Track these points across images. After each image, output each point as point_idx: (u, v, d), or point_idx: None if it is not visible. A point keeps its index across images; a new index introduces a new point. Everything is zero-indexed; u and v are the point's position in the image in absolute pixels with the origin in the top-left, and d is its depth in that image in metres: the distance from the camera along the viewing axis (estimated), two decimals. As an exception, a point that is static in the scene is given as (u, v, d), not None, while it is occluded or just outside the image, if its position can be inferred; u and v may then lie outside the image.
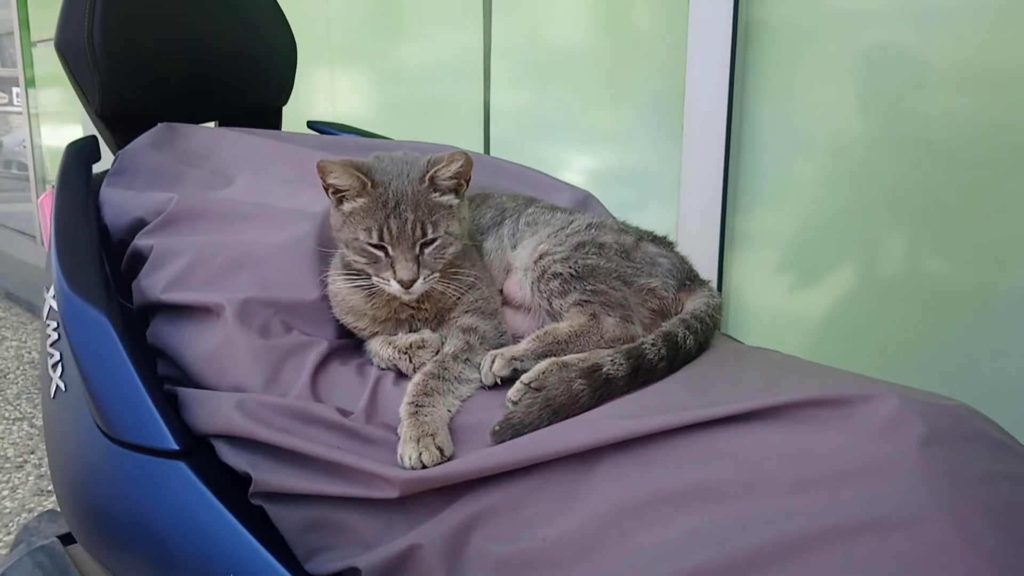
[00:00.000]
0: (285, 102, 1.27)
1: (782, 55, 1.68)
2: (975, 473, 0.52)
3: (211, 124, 1.27)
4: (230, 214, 0.84)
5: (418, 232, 0.73)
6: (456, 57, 2.52)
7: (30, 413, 3.18)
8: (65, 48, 1.07)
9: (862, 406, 0.55)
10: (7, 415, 3.17)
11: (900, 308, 1.56)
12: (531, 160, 2.22)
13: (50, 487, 2.61)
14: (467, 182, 0.78)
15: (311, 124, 1.29)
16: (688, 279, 0.80)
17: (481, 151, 2.36)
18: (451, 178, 0.76)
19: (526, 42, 2.33)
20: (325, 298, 0.80)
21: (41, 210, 1.09)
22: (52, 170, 4.15)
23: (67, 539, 1.10)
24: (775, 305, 1.79)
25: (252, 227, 0.82)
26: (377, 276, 0.74)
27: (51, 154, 4.18)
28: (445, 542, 0.59)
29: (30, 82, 4.61)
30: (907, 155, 1.50)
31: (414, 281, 0.73)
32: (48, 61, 4.04)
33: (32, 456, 2.81)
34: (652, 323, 0.75)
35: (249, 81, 1.21)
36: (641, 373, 0.65)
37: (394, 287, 0.73)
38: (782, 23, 1.65)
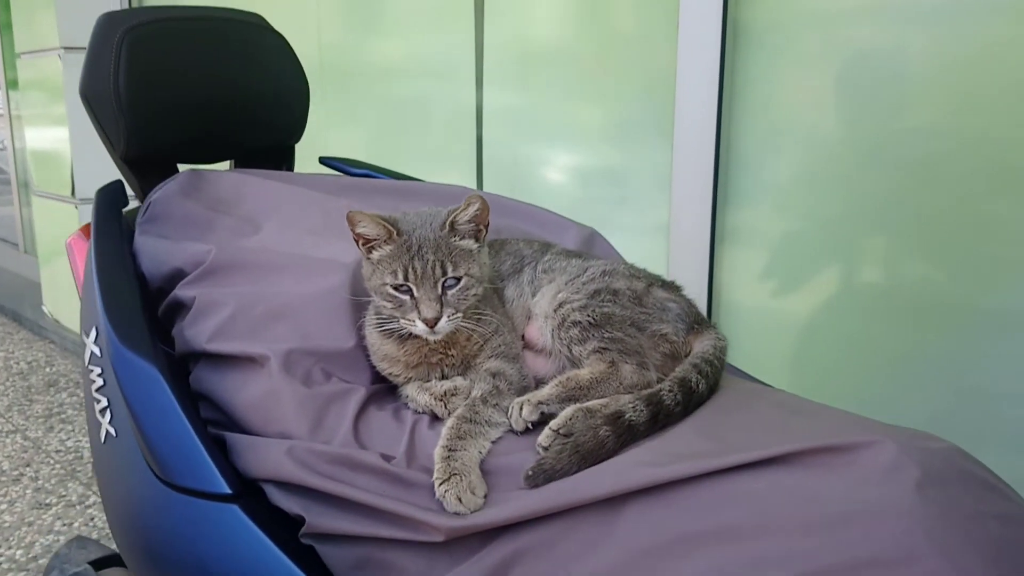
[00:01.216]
0: (298, 140, 1.32)
1: (770, 54, 1.73)
2: (964, 513, 0.59)
3: (226, 163, 1.32)
4: (266, 265, 0.89)
5: (438, 271, 0.79)
6: (446, 56, 2.53)
7: (23, 425, 3.18)
8: (91, 96, 1.11)
9: (864, 452, 0.62)
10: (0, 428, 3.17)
11: (882, 313, 1.64)
12: (520, 159, 2.27)
13: (48, 500, 2.63)
14: (486, 227, 0.83)
15: (323, 160, 1.34)
16: (696, 322, 0.86)
17: (473, 153, 2.39)
18: (469, 222, 0.82)
19: (514, 41, 2.34)
20: (360, 345, 0.85)
21: (70, 252, 1.13)
22: (35, 174, 4.10)
23: (98, 565, 1.15)
24: (762, 304, 1.86)
25: (288, 278, 0.88)
26: (404, 319, 0.80)
27: (35, 158, 4.14)
28: None
29: (12, 84, 4.55)
30: (891, 162, 1.58)
31: (438, 320, 0.78)
32: (30, 67, 4.00)
33: (28, 469, 2.82)
34: (664, 365, 0.81)
35: (264, 121, 1.26)
36: (660, 418, 0.72)
37: (420, 327, 0.79)
38: (770, 23, 1.70)
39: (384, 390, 0.85)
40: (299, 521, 0.74)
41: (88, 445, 2.97)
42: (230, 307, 0.85)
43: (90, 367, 0.93)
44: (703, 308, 1.80)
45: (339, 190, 1.11)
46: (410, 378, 0.84)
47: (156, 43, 1.13)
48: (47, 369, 3.79)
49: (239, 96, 1.21)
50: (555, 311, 0.83)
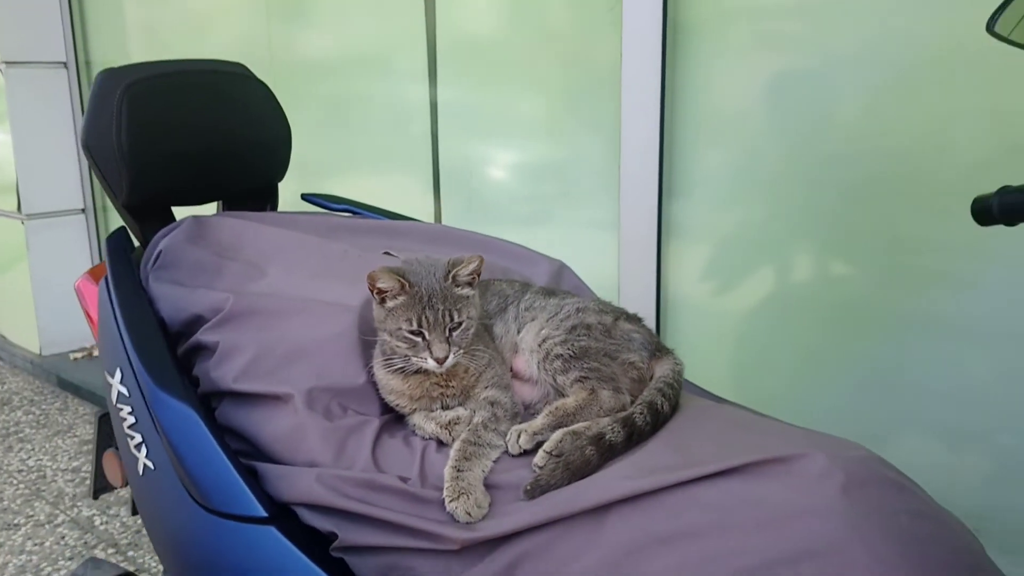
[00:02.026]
0: (281, 179, 1.42)
1: (708, 48, 1.86)
2: (881, 510, 0.75)
3: (215, 204, 1.41)
4: (279, 311, 1.00)
5: (447, 319, 0.92)
6: (395, 49, 2.55)
7: None
8: (93, 148, 1.19)
9: (799, 462, 0.78)
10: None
11: (808, 312, 1.83)
12: (473, 156, 2.37)
13: (16, 520, 2.65)
14: (479, 276, 0.97)
15: (305, 197, 1.44)
16: (657, 349, 1.01)
17: (429, 151, 2.47)
18: (468, 275, 0.95)
19: (465, 33, 2.42)
20: (370, 381, 0.98)
21: (80, 295, 1.22)
22: None
23: (119, 582, 1.24)
24: (701, 300, 2.02)
25: (301, 322, 0.99)
26: (416, 356, 0.93)
27: None
28: None
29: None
30: (820, 165, 1.76)
31: (446, 358, 0.92)
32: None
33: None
34: (633, 388, 0.96)
35: (251, 165, 1.36)
36: (634, 437, 0.87)
37: (431, 364, 0.92)
38: (707, 16, 1.85)
39: (393, 419, 0.98)
40: (330, 537, 0.86)
41: (49, 464, 2.99)
42: (251, 350, 0.96)
43: (119, 405, 1.02)
44: (652, 302, 1.96)
45: (329, 231, 1.22)
46: (415, 408, 0.96)
47: (153, 98, 1.22)
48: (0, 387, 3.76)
49: (229, 143, 1.31)
50: (539, 346, 0.97)
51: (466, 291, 0.95)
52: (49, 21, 3.63)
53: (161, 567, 1.35)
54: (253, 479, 0.90)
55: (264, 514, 0.87)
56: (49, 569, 2.32)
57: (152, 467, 0.96)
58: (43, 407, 3.46)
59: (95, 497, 1.51)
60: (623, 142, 1.94)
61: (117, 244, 1.15)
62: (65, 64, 3.69)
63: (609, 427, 0.86)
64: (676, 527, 0.76)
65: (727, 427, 0.89)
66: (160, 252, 1.13)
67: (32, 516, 2.61)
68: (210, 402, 0.99)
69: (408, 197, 2.62)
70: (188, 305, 1.04)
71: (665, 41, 1.84)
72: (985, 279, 1.58)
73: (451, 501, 0.82)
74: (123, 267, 1.11)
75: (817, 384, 1.84)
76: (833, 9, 1.69)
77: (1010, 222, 0.88)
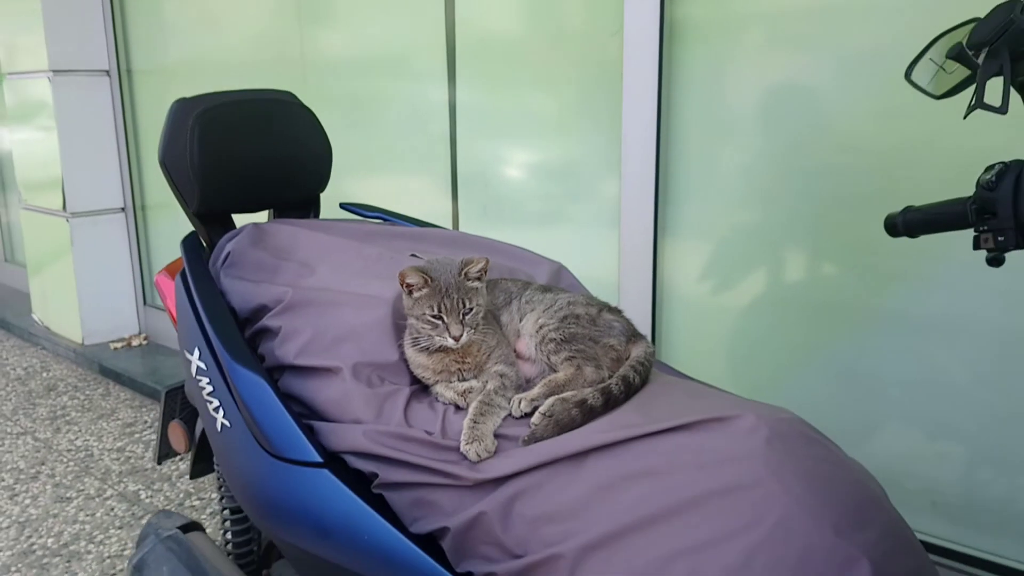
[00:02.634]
0: (323, 190, 1.66)
1: (706, 51, 2.02)
2: (794, 456, 0.98)
3: (266, 211, 1.66)
4: (330, 302, 1.25)
5: (460, 305, 1.16)
6: (413, 50, 2.72)
7: (31, 427, 3.44)
8: (169, 165, 1.44)
9: (734, 421, 1.01)
10: (9, 430, 3.42)
11: (794, 308, 2.03)
12: (491, 157, 2.55)
13: (68, 494, 2.90)
14: (486, 272, 1.21)
15: (343, 206, 1.68)
16: (633, 335, 1.24)
17: (447, 155, 2.67)
18: (477, 272, 1.19)
19: (483, 34, 2.56)
20: (401, 358, 1.22)
21: (158, 287, 1.47)
22: (24, 191, 4.25)
23: (185, 529, 1.49)
24: (695, 296, 2.19)
25: (347, 311, 1.23)
26: (438, 336, 1.16)
27: (24, 173, 4.27)
28: (499, 509, 1.02)
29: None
30: (805, 174, 1.94)
31: (461, 336, 1.16)
32: (18, 87, 4.16)
33: (43, 467, 3.09)
34: (612, 366, 1.19)
35: (298, 178, 1.60)
36: (611, 403, 1.10)
37: (449, 341, 1.16)
38: (706, 19, 2.01)
39: (420, 389, 1.22)
40: (370, 478, 1.10)
41: (96, 444, 3.24)
42: (308, 333, 1.21)
43: (198, 377, 1.27)
44: (649, 297, 2.16)
45: (365, 237, 1.46)
46: (437, 380, 1.20)
47: (220, 123, 1.46)
48: (44, 374, 4.02)
49: (281, 161, 1.55)
50: (536, 332, 1.21)
51: (476, 284, 1.19)
52: (93, 32, 3.89)
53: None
54: (310, 433, 1.15)
55: (320, 459, 1.12)
56: (101, 536, 2.57)
57: (229, 425, 1.20)
58: (87, 392, 3.73)
59: (159, 462, 1.76)
60: (624, 143, 2.13)
61: (192, 245, 1.40)
62: (108, 72, 3.95)
63: (591, 395, 1.10)
64: (638, 468, 0.99)
65: (683, 396, 1.13)
66: (228, 253, 1.37)
67: (83, 490, 2.86)
68: (273, 374, 1.24)
69: (426, 198, 2.83)
70: (254, 297, 1.29)
71: (662, 43, 2.02)
72: (941, 278, 1.80)
73: (467, 444, 1.06)
74: (199, 264, 1.35)
75: (800, 374, 2.04)
76: (828, 24, 1.86)
77: (911, 235, 1.10)
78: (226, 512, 1.57)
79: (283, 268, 1.34)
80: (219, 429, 1.22)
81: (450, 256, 1.23)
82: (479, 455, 1.05)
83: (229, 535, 1.58)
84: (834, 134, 1.89)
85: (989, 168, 0.90)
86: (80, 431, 3.32)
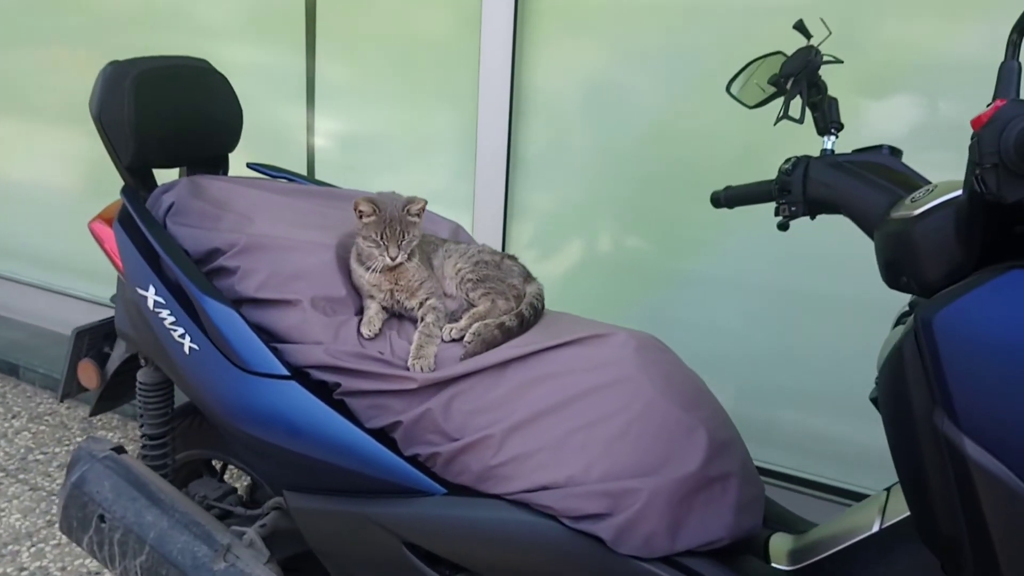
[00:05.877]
0: (232, 150, 1.84)
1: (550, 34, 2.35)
2: (653, 361, 1.38)
3: (179, 167, 1.80)
4: (280, 247, 1.46)
5: (399, 233, 1.43)
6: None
7: None
8: (105, 122, 1.56)
9: (610, 337, 1.39)
10: None
11: (611, 273, 2.50)
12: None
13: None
14: (423, 211, 1.49)
15: (250, 165, 1.87)
16: (527, 277, 1.59)
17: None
18: (416, 210, 1.46)
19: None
20: (349, 292, 1.47)
21: (95, 233, 1.58)
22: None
23: (119, 451, 1.62)
24: (530, 264, 2.60)
25: (297, 254, 1.46)
26: (379, 254, 1.42)
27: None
28: (441, 406, 1.34)
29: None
30: (620, 158, 2.39)
31: (396, 257, 1.42)
32: None
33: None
34: (516, 300, 1.54)
35: (215, 138, 1.77)
36: (524, 324, 1.44)
37: (387, 260, 1.42)
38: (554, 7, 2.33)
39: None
40: (332, 387, 1.36)
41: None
42: (266, 271, 1.42)
43: (156, 310, 1.44)
44: None
45: (290, 193, 1.68)
46: (373, 296, 1.47)
47: (154, 85, 1.60)
48: None
49: (203, 121, 1.72)
50: (456, 274, 1.52)
51: (415, 219, 1.45)
52: None
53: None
54: (276, 352, 1.38)
55: (287, 373, 1.36)
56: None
57: (197, 348, 1.39)
58: None
59: (61, 400, 1.84)
60: (479, 127, 2.47)
61: (133, 194, 1.54)
62: None
63: (508, 319, 1.43)
64: (543, 372, 1.35)
65: (570, 322, 1.50)
66: (173, 203, 1.54)
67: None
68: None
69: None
70: (208, 241, 1.47)
71: (516, 26, 2.33)
72: (727, 247, 2.33)
73: (414, 360, 1.36)
74: (145, 214, 1.51)
75: (614, 320, 2.51)
76: (653, 25, 2.26)
77: (729, 207, 1.54)
78: (145, 439, 1.72)
79: (224, 218, 1.53)
80: (187, 352, 1.41)
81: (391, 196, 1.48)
82: (423, 369, 1.36)
83: (148, 461, 1.73)
84: (650, 126, 2.36)
85: (787, 160, 1.33)
86: None
